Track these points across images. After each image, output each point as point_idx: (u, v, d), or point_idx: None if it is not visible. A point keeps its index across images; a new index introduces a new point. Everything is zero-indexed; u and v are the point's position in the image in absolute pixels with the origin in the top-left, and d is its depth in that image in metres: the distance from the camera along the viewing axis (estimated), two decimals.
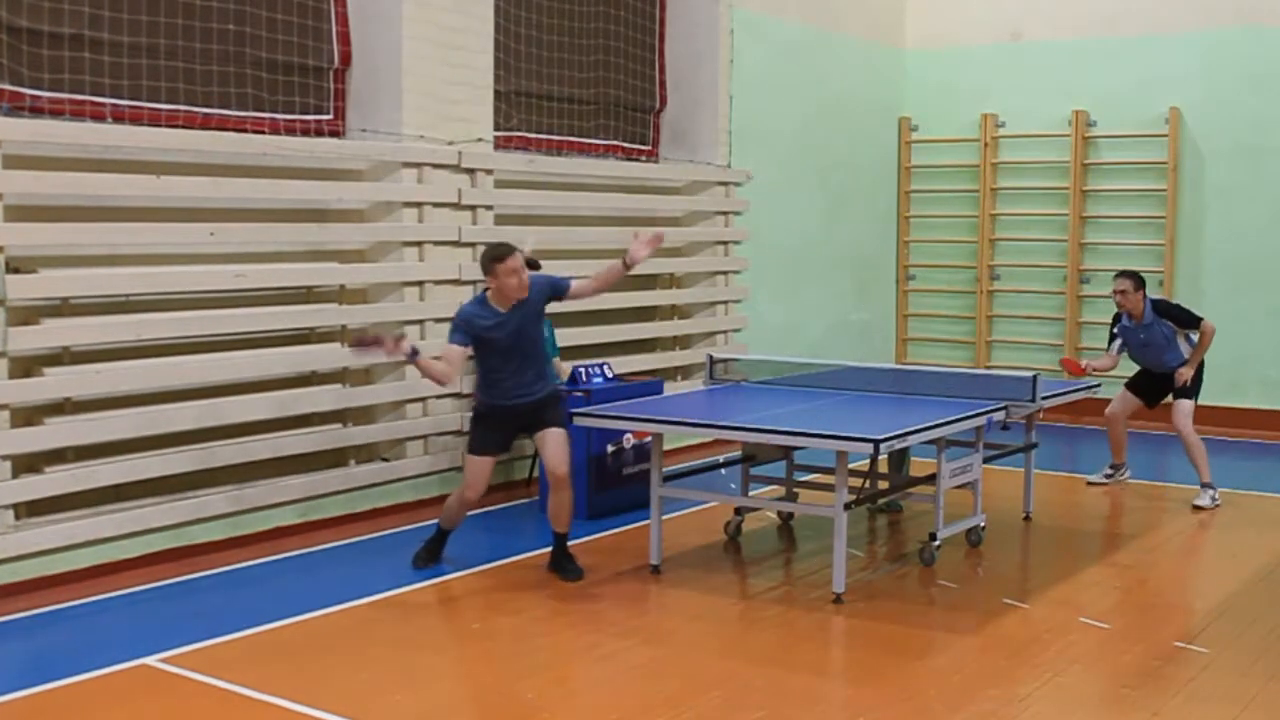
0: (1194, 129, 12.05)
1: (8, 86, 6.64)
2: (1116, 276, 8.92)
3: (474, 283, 8.66)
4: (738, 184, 11.05)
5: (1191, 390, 8.84)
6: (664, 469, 7.09)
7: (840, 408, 7.29)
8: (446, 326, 8.39)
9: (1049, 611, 6.41)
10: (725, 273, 11.00)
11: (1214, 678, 5.50)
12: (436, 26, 8.36)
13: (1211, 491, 8.75)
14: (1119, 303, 8.86)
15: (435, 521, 7.16)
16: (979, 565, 7.30)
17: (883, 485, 7.86)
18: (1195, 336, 8.83)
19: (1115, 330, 9.05)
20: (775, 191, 11.60)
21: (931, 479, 7.10)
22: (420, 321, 8.35)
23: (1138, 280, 8.85)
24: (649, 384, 8.92)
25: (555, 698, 5.30)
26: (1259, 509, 8.80)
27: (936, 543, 7.11)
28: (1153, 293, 12.07)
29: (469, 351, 6.74)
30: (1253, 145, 11.80)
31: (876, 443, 6.10)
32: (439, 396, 8.45)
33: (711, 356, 8.31)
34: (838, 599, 6.43)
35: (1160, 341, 8.85)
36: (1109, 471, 9.42)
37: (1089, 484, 9.37)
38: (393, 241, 8.29)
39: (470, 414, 7.14)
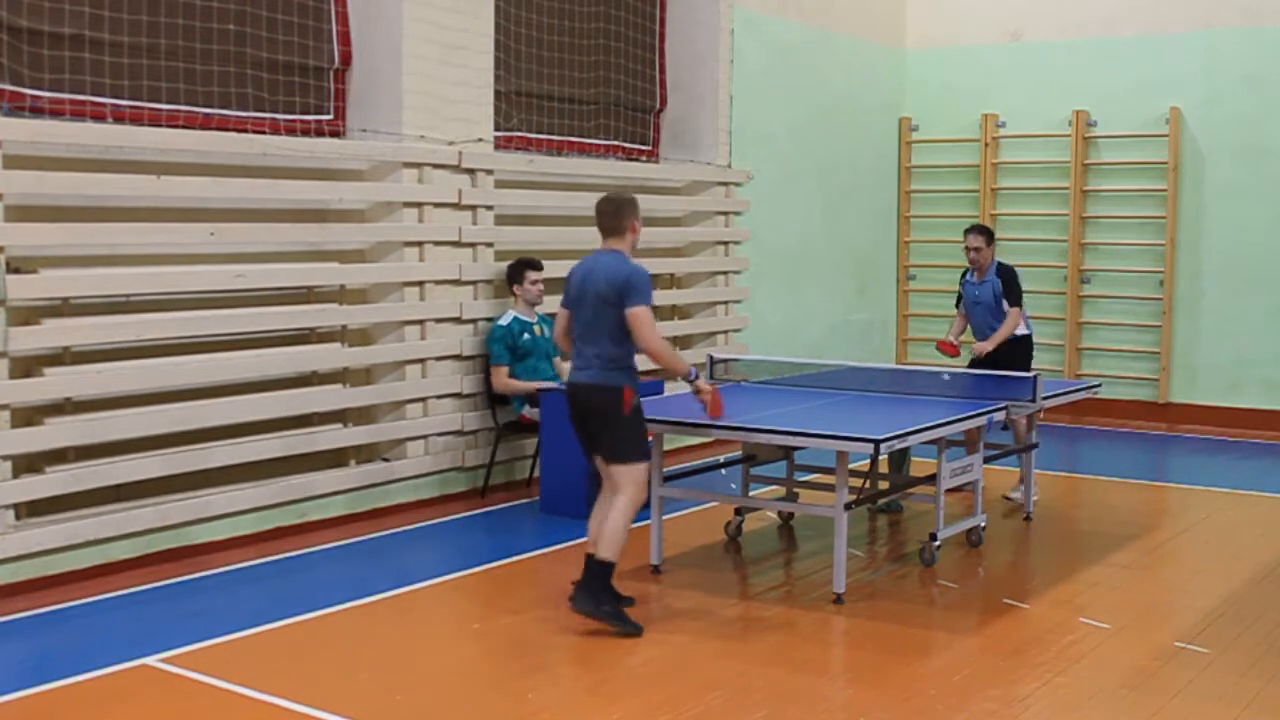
0: (1194, 129, 12.05)
1: (8, 86, 6.64)
2: (967, 232, 8.86)
3: (474, 283, 8.67)
4: (738, 184, 11.05)
5: None
6: (664, 469, 7.09)
7: (840, 408, 7.29)
8: (447, 326, 8.48)
9: (1049, 611, 6.41)
10: (725, 273, 11.00)
11: (1214, 678, 5.50)
12: (436, 26, 8.36)
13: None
14: (972, 259, 8.78)
15: (432, 522, 7.15)
16: (979, 565, 7.30)
17: (883, 485, 7.86)
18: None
19: (961, 287, 9.02)
20: (775, 191, 11.60)
21: (932, 479, 7.10)
22: (420, 322, 8.35)
23: (989, 236, 8.82)
24: (649, 384, 8.90)
25: (555, 698, 5.30)
26: (1259, 509, 8.80)
27: (937, 543, 7.11)
28: (1152, 291, 12.20)
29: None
30: (1253, 145, 11.80)
31: (877, 443, 6.10)
32: (439, 397, 8.45)
33: (712, 356, 8.32)
34: (838, 599, 6.43)
35: (989, 300, 8.73)
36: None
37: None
38: (393, 241, 8.29)
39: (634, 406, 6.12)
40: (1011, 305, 8.70)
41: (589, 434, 6.18)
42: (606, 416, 6.04)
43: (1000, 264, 8.82)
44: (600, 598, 5.95)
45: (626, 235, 6.14)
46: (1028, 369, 8.55)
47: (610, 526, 5.98)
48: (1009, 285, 8.73)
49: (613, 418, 6.02)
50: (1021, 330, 8.78)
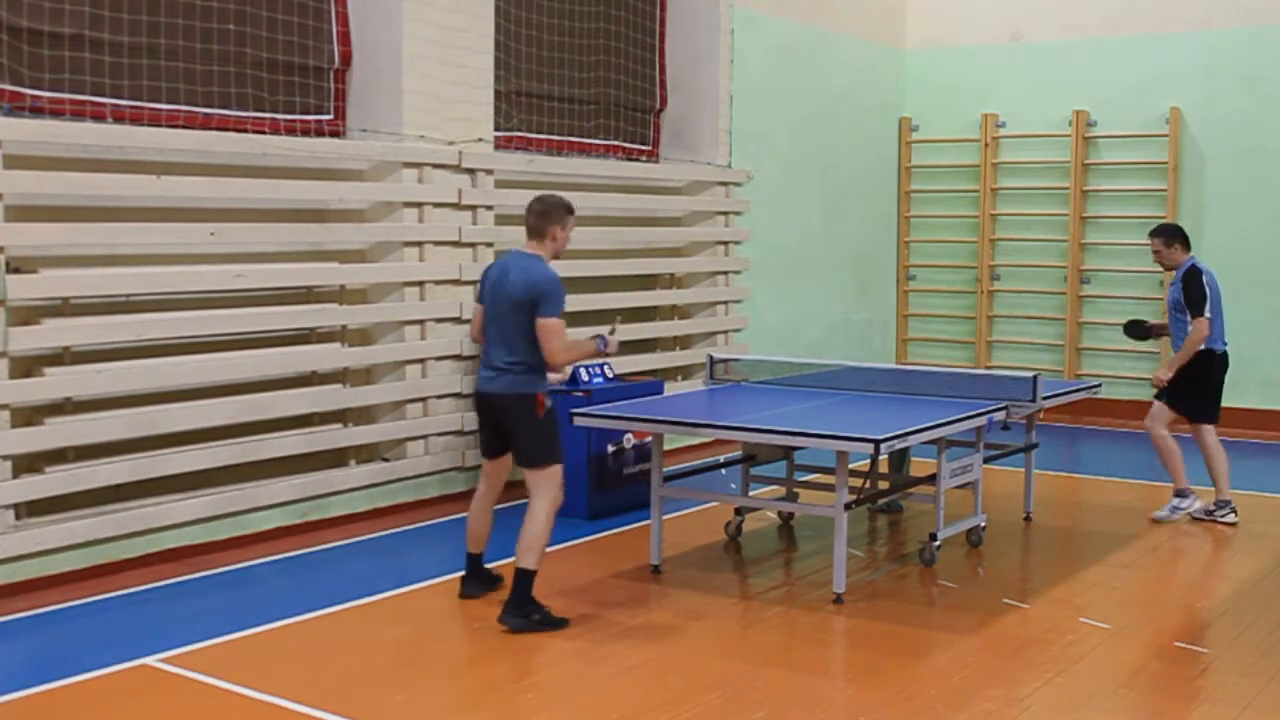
0: (1194, 129, 12.05)
1: (8, 86, 6.64)
2: (1149, 234, 8.30)
3: (474, 283, 8.66)
4: (738, 184, 11.05)
5: (1195, 407, 8.11)
6: (664, 469, 7.09)
7: (840, 408, 7.29)
8: (447, 326, 8.47)
9: (1049, 611, 6.41)
10: (725, 273, 11.00)
11: (1214, 678, 5.50)
12: (436, 26, 8.36)
13: (1180, 501, 8.23)
14: (1157, 261, 8.25)
15: (432, 522, 7.16)
16: (979, 565, 7.30)
17: (883, 485, 7.86)
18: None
19: None
20: (775, 191, 11.60)
21: (932, 479, 7.10)
22: (420, 321, 8.35)
23: (1167, 236, 8.11)
24: (649, 384, 8.92)
25: (555, 698, 5.30)
26: (1259, 509, 8.79)
27: (937, 543, 7.11)
28: (1152, 291, 12.18)
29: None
30: (1253, 145, 11.80)
31: (877, 443, 6.10)
32: (439, 397, 8.45)
33: (712, 356, 8.31)
34: (838, 599, 6.44)
35: (1171, 305, 8.13)
36: (1175, 503, 8.28)
37: (1154, 520, 8.30)
38: (393, 241, 8.29)
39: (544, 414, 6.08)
40: (1193, 316, 7.89)
41: (497, 437, 6.17)
42: (519, 423, 6.03)
43: (1191, 266, 8.00)
44: (527, 609, 5.95)
45: (547, 240, 6.09)
46: (1202, 389, 8.07)
47: (530, 534, 5.95)
48: (1187, 292, 7.92)
49: (526, 423, 6.01)
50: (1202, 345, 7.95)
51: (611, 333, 6.32)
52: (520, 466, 6.14)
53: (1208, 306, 7.96)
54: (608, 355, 6.30)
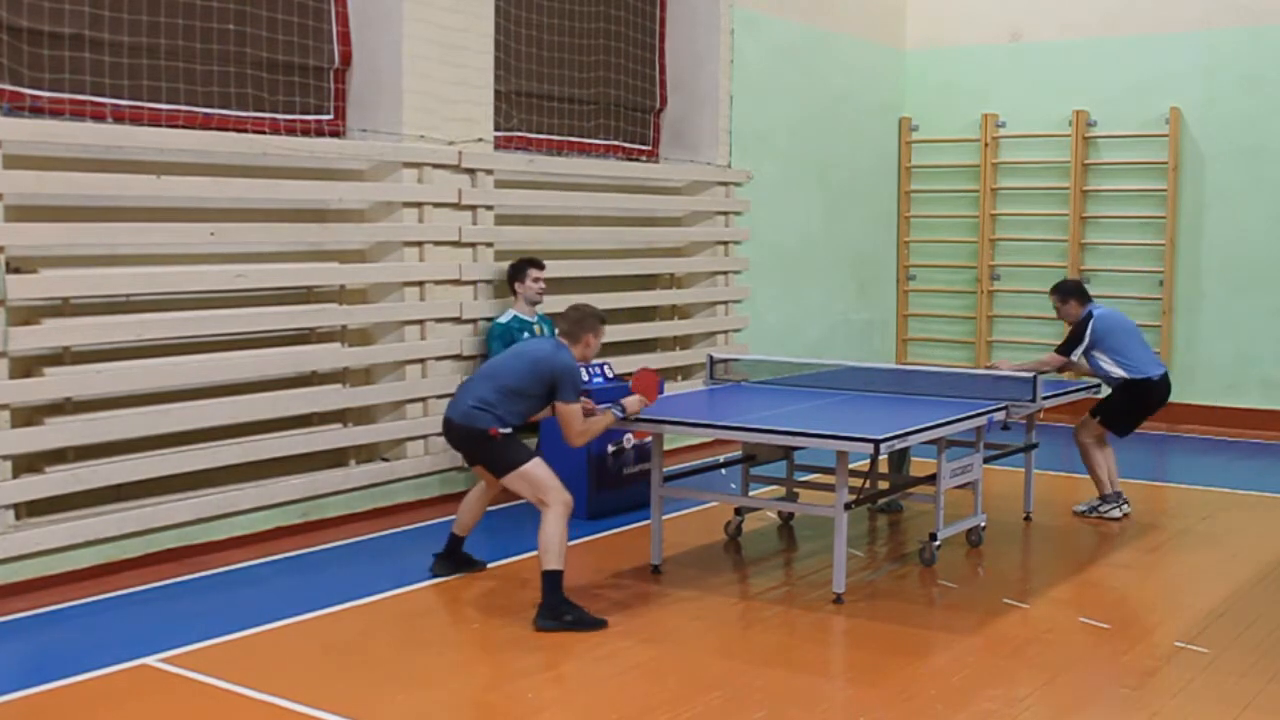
0: (1194, 129, 12.05)
1: (8, 86, 6.65)
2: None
3: (474, 283, 8.67)
4: (738, 184, 11.05)
5: (1117, 421, 8.38)
6: (664, 469, 7.09)
7: (840, 408, 7.29)
8: (447, 326, 8.48)
9: (1049, 611, 6.41)
10: (725, 273, 11.00)
11: (1214, 678, 5.50)
12: (436, 26, 8.36)
13: (1099, 503, 8.42)
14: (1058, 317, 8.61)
15: (432, 522, 7.16)
16: (979, 565, 7.30)
17: (883, 485, 7.86)
18: (1105, 361, 8.25)
19: None
20: (775, 191, 11.60)
21: (932, 479, 7.10)
22: (420, 322, 8.35)
23: (1061, 294, 8.44)
24: None
25: (555, 698, 5.30)
26: (1259, 509, 8.80)
27: (937, 543, 7.11)
28: (1152, 291, 12.19)
29: None
30: (1253, 145, 11.80)
31: (877, 443, 6.10)
32: (439, 397, 8.45)
33: (712, 357, 8.31)
34: (838, 599, 6.44)
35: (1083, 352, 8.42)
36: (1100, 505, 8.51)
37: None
38: (393, 241, 8.29)
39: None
40: (1056, 349, 8.41)
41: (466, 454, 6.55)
42: (473, 448, 6.36)
43: (1085, 314, 8.30)
44: (558, 610, 6.00)
45: (579, 346, 6.42)
46: (1133, 410, 8.31)
47: (543, 535, 6.07)
48: (1070, 334, 8.33)
49: (483, 447, 6.29)
50: (1116, 373, 8.24)
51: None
52: (496, 478, 6.42)
53: (1078, 351, 8.25)
54: (630, 411, 6.54)
